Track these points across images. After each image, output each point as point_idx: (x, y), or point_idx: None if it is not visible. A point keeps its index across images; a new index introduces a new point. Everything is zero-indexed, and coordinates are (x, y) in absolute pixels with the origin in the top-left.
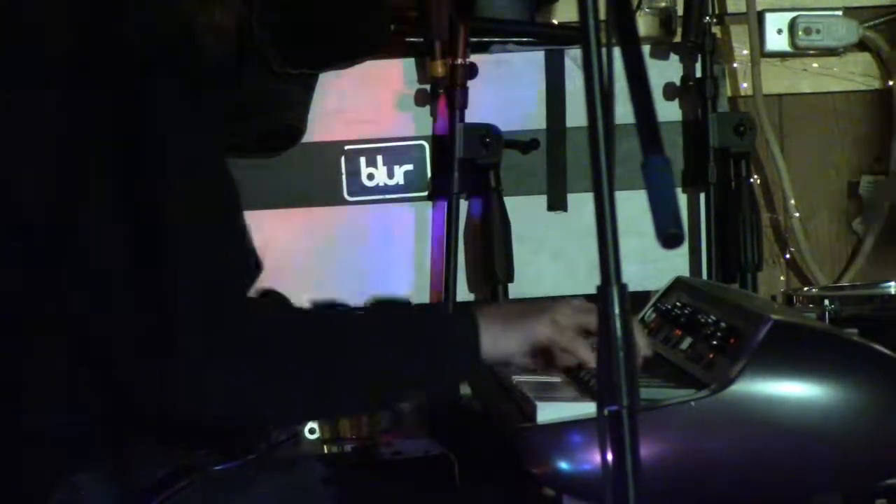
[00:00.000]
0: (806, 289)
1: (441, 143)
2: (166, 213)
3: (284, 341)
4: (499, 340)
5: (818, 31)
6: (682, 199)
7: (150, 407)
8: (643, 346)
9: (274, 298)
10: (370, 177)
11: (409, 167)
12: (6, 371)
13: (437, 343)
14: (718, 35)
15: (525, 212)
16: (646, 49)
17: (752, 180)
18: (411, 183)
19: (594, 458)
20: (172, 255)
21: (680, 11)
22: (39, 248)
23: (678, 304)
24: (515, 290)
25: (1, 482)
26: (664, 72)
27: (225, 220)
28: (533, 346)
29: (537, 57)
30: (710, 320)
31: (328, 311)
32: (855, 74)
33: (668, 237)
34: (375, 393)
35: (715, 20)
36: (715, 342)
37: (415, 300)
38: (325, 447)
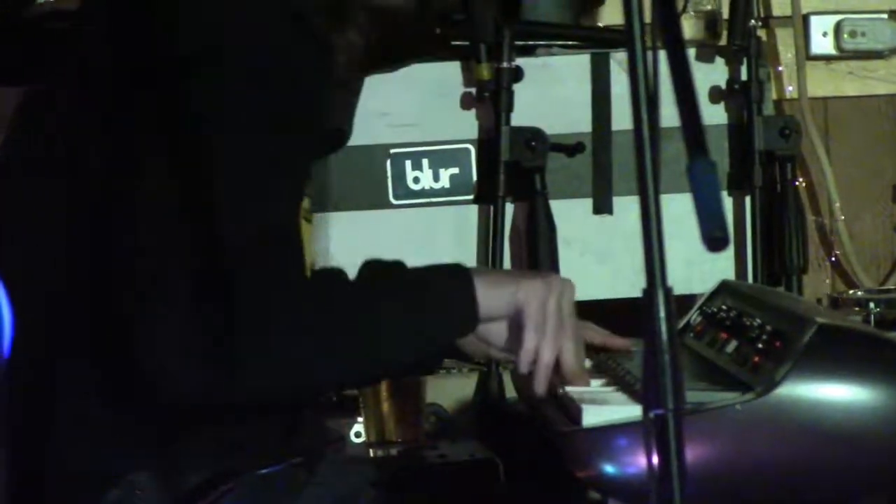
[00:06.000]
0: (851, 291)
1: (487, 147)
2: (214, 198)
3: (304, 306)
4: (489, 296)
5: (863, 34)
6: (728, 203)
7: (193, 388)
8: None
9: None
10: (416, 180)
11: (455, 170)
12: (61, 362)
13: (437, 302)
14: (764, 38)
15: (571, 215)
16: (691, 52)
17: (797, 183)
18: (457, 186)
19: (640, 462)
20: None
21: (725, 14)
22: (80, 233)
23: (724, 307)
24: None
25: (56, 475)
26: (709, 75)
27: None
28: (517, 309)
29: (583, 60)
30: (755, 323)
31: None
32: None
33: (714, 240)
34: (383, 353)
35: (760, 23)
36: (760, 345)
37: None
38: (370, 450)
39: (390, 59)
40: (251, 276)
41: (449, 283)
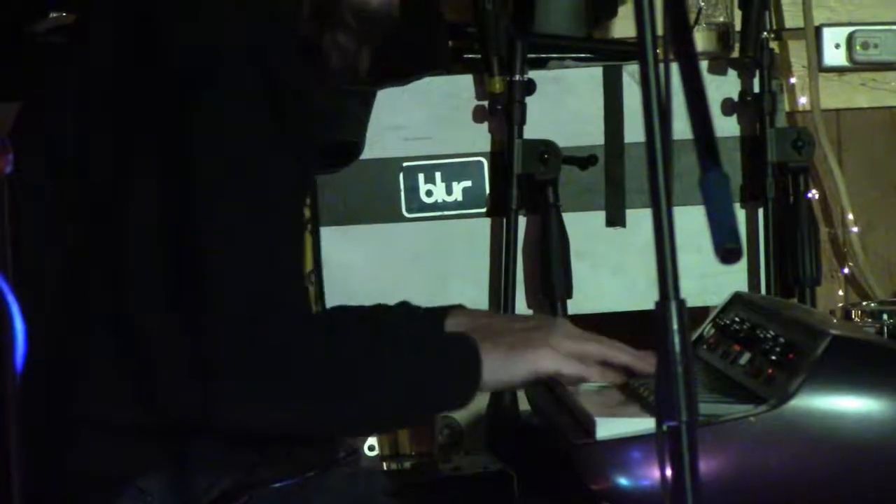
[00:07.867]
0: (864, 303)
1: (499, 159)
2: (208, 220)
3: (306, 361)
4: (499, 372)
5: (876, 46)
6: (741, 215)
7: (186, 417)
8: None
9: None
10: (429, 193)
11: (468, 183)
12: (72, 365)
13: (439, 374)
14: (776, 50)
15: (583, 227)
16: (703, 64)
17: (810, 195)
18: (470, 199)
19: (654, 474)
20: (215, 264)
21: (738, 27)
22: (86, 246)
23: (737, 319)
24: (574, 307)
25: (66, 480)
26: (722, 87)
27: (275, 229)
28: (537, 378)
29: (595, 73)
30: (768, 335)
31: (354, 329)
32: None
33: (727, 252)
34: (385, 413)
35: (772, 35)
36: (774, 357)
37: None
38: (384, 463)
39: (395, 71)
40: (247, 329)
41: (456, 369)
